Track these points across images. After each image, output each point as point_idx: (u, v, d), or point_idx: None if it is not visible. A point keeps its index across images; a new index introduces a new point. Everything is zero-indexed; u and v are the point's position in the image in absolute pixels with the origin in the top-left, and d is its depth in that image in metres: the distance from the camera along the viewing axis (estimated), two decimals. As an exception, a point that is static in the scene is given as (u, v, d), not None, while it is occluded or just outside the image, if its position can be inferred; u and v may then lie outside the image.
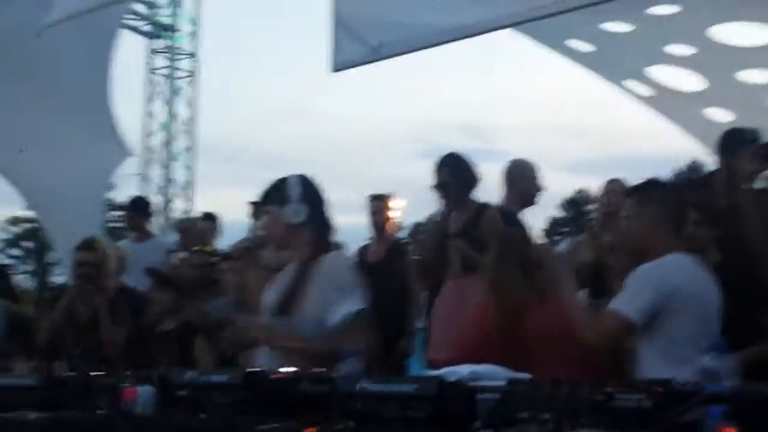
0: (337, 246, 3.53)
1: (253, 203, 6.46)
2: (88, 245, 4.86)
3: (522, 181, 5.07)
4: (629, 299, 2.98)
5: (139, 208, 6.97)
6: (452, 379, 1.95)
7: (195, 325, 4.76)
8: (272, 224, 3.21)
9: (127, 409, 1.92)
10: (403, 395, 1.90)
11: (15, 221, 32.29)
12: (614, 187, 4.99)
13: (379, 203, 5.92)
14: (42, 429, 2.07)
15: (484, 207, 4.76)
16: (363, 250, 5.93)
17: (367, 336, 2.97)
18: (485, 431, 1.70)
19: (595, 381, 1.71)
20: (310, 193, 3.18)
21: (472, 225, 4.67)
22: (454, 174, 4.78)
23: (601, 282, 4.59)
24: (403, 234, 6.64)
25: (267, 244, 3.39)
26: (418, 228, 6.49)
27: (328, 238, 3.23)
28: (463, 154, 4.98)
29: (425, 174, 5.05)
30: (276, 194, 3.19)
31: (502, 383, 1.88)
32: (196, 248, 5.68)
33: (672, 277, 3.01)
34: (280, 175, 3.24)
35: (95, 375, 2.31)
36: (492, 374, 2.04)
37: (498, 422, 1.74)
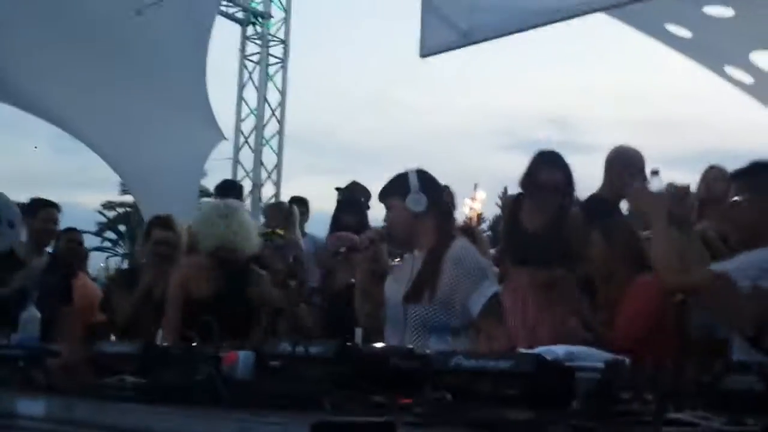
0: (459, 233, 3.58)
1: (338, 189, 6.49)
2: (164, 223, 4.75)
3: (625, 170, 4.68)
4: (741, 271, 2.85)
5: (229, 190, 7.12)
6: (549, 357, 1.91)
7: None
8: (396, 216, 3.32)
9: (227, 373, 1.95)
10: (498, 372, 1.87)
11: (110, 206, 33.49)
12: (714, 174, 4.81)
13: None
14: (141, 392, 2.12)
15: (564, 207, 4.48)
16: None
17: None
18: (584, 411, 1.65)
19: (701, 362, 1.64)
20: (427, 183, 3.32)
21: (553, 225, 4.41)
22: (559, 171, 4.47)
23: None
24: (483, 226, 6.56)
25: (391, 237, 3.49)
26: (499, 220, 6.41)
27: (451, 225, 3.34)
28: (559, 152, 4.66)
29: (507, 166, 4.95)
30: (396, 187, 3.33)
31: (602, 363, 1.83)
32: (267, 230, 5.66)
33: None
34: (398, 171, 3.36)
35: (193, 343, 2.36)
36: (589, 355, 1.99)
37: (598, 402, 1.70)
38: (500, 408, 1.60)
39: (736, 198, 3.09)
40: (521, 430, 1.40)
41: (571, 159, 4.75)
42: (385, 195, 3.40)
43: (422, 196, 3.24)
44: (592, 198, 4.85)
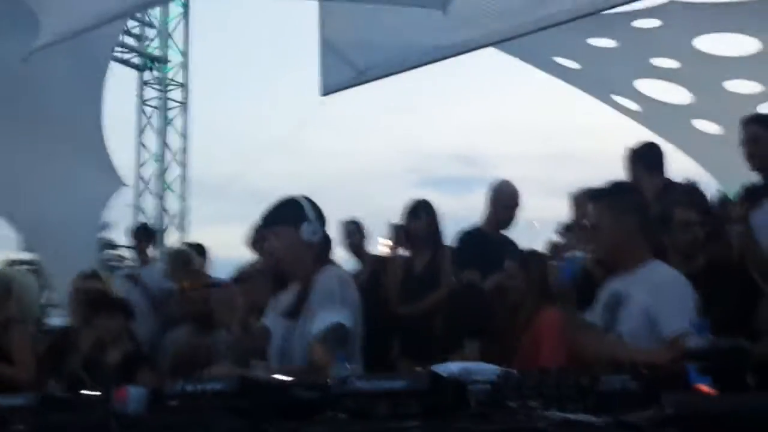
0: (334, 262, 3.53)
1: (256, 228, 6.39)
2: (92, 274, 4.97)
3: (500, 201, 5.28)
4: (687, 317, 2.63)
5: (144, 234, 7.15)
6: (444, 374, 1.96)
7: (140, 355, 4.70)
8: (289, 244, 3.14)
9: (119, 410, 1.92)
10: (394, 391, 1.91)
11: (12, 264, 32.13)
12: (584, 197, 5.02)
13: (351, 226, 5.92)
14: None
15: (440, 247, 5.17)
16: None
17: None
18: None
19: (583, 367, 1.72)
20: (319, 212, 3.21)
21: (432, 264, 5.12)
22: (430, 219, 5.20)
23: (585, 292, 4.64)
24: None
25: (277, 264, 3.39)
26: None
27: (330, 254, 3.26)
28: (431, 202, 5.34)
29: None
30: (288, 214, 3.15)
31: (493, 375, 1.89)
32: (186, 283, 5.64)
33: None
34: (284, 197, 3.22)
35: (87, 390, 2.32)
36: (483, 370, 2.05)
37: (488, 411, 1.75)
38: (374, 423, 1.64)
39: (596, 220, 3.03)
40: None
41: (481, 194, 5.38)
42: (273, 222, 3.22)
43: (318, 226, 3.15)
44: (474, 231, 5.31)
